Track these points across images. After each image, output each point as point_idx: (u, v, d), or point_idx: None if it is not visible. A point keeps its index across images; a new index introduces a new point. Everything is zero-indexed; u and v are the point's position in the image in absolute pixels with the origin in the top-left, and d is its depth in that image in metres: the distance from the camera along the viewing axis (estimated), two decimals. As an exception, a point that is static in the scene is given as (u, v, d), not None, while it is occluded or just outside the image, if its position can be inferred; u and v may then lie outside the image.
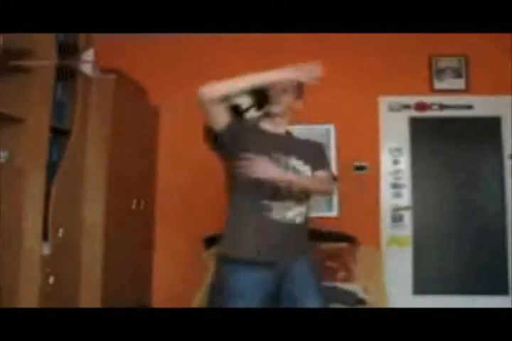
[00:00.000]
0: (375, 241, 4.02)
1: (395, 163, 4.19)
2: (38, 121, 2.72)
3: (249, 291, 2.11)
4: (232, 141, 2.16)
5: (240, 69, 4.59)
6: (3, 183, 2.60)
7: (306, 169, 2.23)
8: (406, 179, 4.18)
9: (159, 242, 4.18)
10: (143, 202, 3.84)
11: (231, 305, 2.11)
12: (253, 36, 3.62)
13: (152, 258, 4.14)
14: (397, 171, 4.18)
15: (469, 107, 4.15)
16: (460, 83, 4.17)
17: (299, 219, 2.21)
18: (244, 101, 2.20)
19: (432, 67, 4.19)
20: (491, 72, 4.06)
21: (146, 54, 4.27)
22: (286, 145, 2.24)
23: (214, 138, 2.21)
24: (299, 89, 2.28)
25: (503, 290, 3.99)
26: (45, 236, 2.72)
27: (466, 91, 4.16)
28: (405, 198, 4.17)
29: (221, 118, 2.14)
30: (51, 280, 2.73)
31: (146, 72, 4.03)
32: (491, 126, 4.14)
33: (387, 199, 4.15)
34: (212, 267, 3.78)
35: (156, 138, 4.23)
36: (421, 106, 4.19)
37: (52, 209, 2.75)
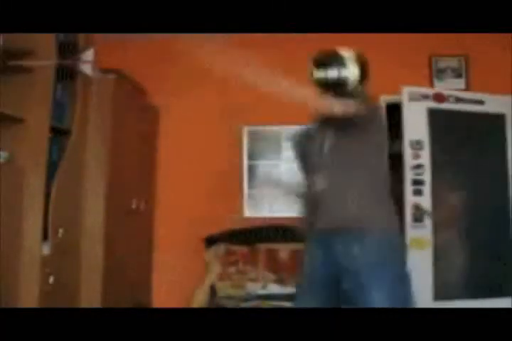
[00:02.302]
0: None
1: (415, 158, 3.77)
2: (38, 121, 2.72)
3: None
4: None
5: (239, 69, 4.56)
6: (3, 183, 2.60)
7: None
8: (427, 175, 3.77)
9: (159, 242, 4.18)
10: (143, 202, 3.84)
11: None
12: (254, 36, 3.62)
13: (152, 258, 4.14)
14: (418, 166, 3.79)
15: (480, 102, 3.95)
16: (460, 83, 4.17)
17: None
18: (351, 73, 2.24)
19: (432, 67, 4.19)
20: (491, 72, 4.06)
21: (146, 54, 4.27)
22: None
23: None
24: None
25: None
26: (45, 236, 2.72)
27: (466, 91, 4.16)
28: (426, 196, 3.75)
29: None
30: (51, 280, 2.73)
31: (146, 72, 4.03)
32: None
33: (409, 197, 3.73)
34: (212, 267, 3.79)
35: (156, 138, 4.23)
36: (439, 98, 3.89)
37: (52, 209, 2.75)
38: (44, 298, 2.65)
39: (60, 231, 2.85)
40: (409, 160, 3.75)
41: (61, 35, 2.90)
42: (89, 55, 3.01)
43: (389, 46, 4.14)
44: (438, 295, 3.63)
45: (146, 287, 4.03)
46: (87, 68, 3.03)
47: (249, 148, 4.24)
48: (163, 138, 4.26)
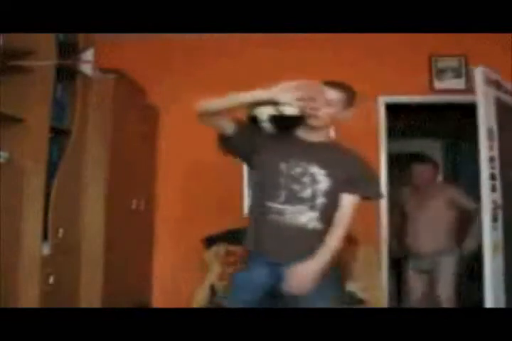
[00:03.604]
0: (375, 241, 4.02)
1: (490, 149, 3.30)
2: (38, 121, 2.72)
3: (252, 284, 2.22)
4: (242, 145, 2.21)
5: (240, 69, 4.60)
6: (3, 183, 2.60)
7: (325, 181, 2.17)
8: (497, 169, 3.35)
9: (159, 242, 4.18)
10: (143, 202, 3.84)
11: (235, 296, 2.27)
12: (253, 36, 3.62)
13: (152, 258, 4.14)
14: (491, 159, 3.31)
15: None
16: (460, 83, 4.16)
17: (312, 225, 2.18)
18: (263, 114, 2.19)
19: (432, 67, 4.19)
20: (490, 72, 4.06)
21: (146, 54, 4.27)
22: (313, 153, 2.19)
23: (226, 142, 2.23)
24: (346, 99, 2.21)
25: None
26: (45, 236, 2.72)
27: (466, 91, 4.16)
28: (498, 193, 3.33)
29: (226, 125, 2.18)
30: (51, 280, 2.73)
31: (146, 72, 4.03)
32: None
33: (487, 194, 3.24)
34: (212, 267, 3.79)
35: (156, 138, 4.23)
36: (498, 84, 3.58)
37: (52, 209, 2.75)
38: (44, 298, 2.65)
39: (60, 231, 2.85)
40: (485, 152, 3.27)
41: (61, 35, 2.90)
42: (89, 55, 3.02)
43: (389, 46, 4.14)
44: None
45: (146, 287, 4.03)
46: (87, 68, 3.03)
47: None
48: (163, 138, 4.26)
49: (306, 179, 2.16)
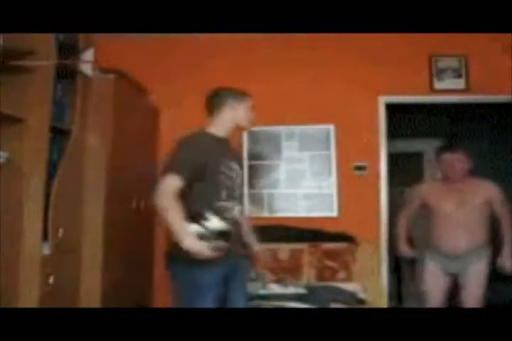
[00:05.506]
0: (375, 241, 4.02)
1: None
2: (38, 121, 2.71)
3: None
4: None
5: (240, 68, 4.59)
6: (3, 183, 2.60)
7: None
8: None
9: (159, 242, 4.17)
10: (143, 202, 3.84)
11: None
12: (253, 36, 3.62)
13: (152, 257, 4.14)
14: None
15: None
16: (460, 83, 4.17)
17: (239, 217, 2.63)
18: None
19: (432, 67, 4.19)
20: (491, 72, 4.06)
21: (146, 54, 4.27)
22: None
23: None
24: None
25: None
26: (45, 236, 2.72)
27: (466, 91, 4.16)
28: None
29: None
30: (51, 280, 2.73)
31: (146, 72, 4.02)
32: None
33: None
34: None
35: (156, 138, 4.23)
36: None
37: (52, 209, 2.75)
38: (44, 298, 2.65)
39: (60, 231, 2.85)
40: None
41: (61, 35, 2.90)
42: (89, 55, 3.01)
43: (389, 46, 4.14)
44: None
45: (146, 287, 4.03)
46: (87, 68, 3.03)
47: (249, 148, 4.24)
48: (163, 138, 4.25)
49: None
